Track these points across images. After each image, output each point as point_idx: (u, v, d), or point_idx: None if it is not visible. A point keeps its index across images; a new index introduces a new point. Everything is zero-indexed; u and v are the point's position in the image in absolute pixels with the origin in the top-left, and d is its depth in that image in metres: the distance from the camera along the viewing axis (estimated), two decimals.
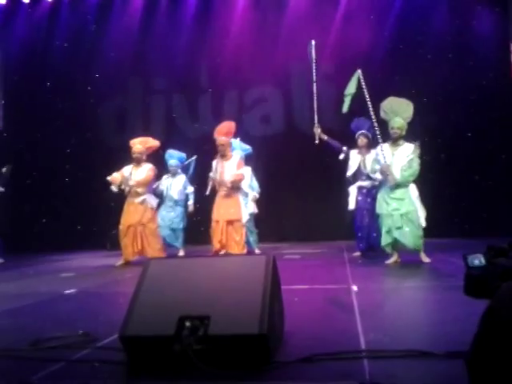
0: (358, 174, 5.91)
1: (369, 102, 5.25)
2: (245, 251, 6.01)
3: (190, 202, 7.20)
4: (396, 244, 5.09)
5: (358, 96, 5.47)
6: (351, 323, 2.48)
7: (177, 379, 1.76)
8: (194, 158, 7.39)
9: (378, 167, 5.18)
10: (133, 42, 9.50)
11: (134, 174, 6.17)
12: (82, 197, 8.90)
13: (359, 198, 5.88)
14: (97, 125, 9.70)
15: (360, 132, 5.97)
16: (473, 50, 8.44)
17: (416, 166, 5.04)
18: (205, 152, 7.10)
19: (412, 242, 4.95)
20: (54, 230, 9.06)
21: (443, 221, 6.37)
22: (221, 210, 6.06)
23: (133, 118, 9.66)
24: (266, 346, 1.79)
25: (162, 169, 6.97)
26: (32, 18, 9.94)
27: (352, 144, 6.09)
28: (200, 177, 7.00)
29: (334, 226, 8.06)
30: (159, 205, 6.78)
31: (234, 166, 6.16)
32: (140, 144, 6.30)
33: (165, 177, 7.14)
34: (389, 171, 5.00)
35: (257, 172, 6.94)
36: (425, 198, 5.23)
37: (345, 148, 6.03)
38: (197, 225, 7.39)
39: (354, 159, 5.94)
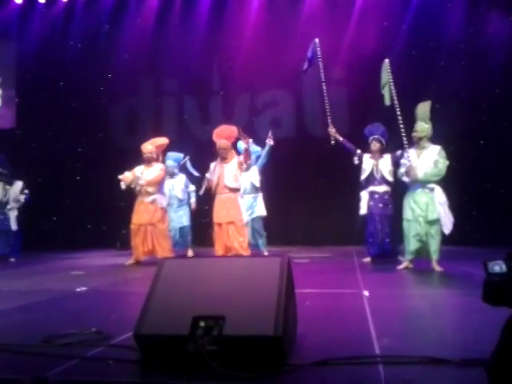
0: (371, 179, 5.86)
1: (395, 98, 5.22)
2: (249, 253, 5.99)
3: (193, 200, 7.42)
4: (421, 250, 5.08)
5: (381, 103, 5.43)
6: (364, 328, 2.46)
7: (190, 379, 1.75)
8: (186, 158, 7.48)
9: (403, 170, 5.19)
10: (146, 44, 9.56)
11: (144, 173, 6.25)
12: (92, 196, 8.95)
13: (371, 203, 5.81)
14: (108, 125, 9.78)
15: (373, 137, 5.94)
16: (486, 57, 8.37)
17: (441, 166, 5.03)
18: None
19: (433, 250, 4.97)
20: (64, 228, 9.13)
21: (454, 229, 6.27)
22: (221, 213, 6.05)
23: (144, 119, 9.72)
24: (280, 348, 1.78)
25: None
26: (47, 18, 10.04)
27: (365, 148, 6.06)
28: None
29: (343, 231, 8.01)
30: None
31: (233, 169, 6.14)
32: (149, 144, 6.45)
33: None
34: (413, 169, 5.02)
35: (267, 175, 6.93)
36: None
37: (359, 151, 5.97)
38: (205, 226, 7.38)
39: (367, 163, 5.91)
